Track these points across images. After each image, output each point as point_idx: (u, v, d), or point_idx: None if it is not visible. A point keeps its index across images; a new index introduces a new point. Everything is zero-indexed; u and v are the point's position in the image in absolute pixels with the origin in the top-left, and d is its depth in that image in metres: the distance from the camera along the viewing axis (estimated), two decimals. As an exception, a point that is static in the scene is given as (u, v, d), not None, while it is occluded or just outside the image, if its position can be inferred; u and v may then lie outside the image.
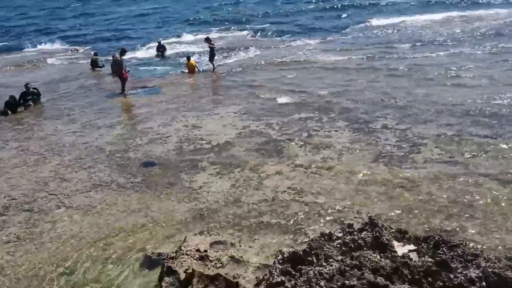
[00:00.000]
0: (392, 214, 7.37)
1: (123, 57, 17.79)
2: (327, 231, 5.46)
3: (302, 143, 10.81)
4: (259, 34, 30.35)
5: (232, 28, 33.89)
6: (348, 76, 16.91)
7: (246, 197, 8.44)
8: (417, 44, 21.93)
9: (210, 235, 7.18)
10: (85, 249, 7.20)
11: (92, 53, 25.14)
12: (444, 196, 7.82)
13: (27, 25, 47.33)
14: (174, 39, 30.39)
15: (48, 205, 8.80)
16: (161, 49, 25.92)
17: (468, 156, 9.32)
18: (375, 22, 29.63)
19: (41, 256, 7.13)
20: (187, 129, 12.55)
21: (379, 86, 15.02)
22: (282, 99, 14.53)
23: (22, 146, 12.38)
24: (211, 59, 20.19)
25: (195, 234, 7.27)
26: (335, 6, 38.85)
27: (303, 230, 7.12)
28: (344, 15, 34.79)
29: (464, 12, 30.21)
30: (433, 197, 7.81)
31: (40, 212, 8.56)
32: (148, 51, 27.43)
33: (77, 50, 30.24)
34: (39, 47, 33.12)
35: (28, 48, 33.10)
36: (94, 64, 23.23)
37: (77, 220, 8.12)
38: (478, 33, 22.74)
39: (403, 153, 9.72)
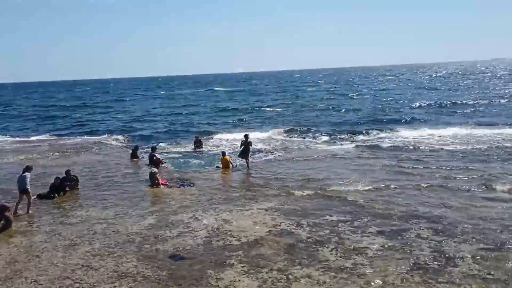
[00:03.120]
0: (428, 332, 6.89)
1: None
2: None
3: (333, 246, 10.56)
4: (292, 134, 31.36)
5: (269, 128, 35.09)
6: (381, 180, 16.80)
7: (273, 300, 8.13)
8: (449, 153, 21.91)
9: None
10: None
11: (134, 146, 26.06)
12: (485, 316, 7.32)
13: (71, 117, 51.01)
14: (211, 136, 31.48)
15: (72, 294, 8.70)
16: (198, 144, 26.85)
17: (508, 273, 8.82)
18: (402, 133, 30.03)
19: None
20: (217, 224, 12.52)
21: (413, 194, 14.81)
22: (313, 200, 14.46)
23: (55, 230, 12.57)
24: (246, 156, 20.58)
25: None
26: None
27: None
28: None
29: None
30: (473, 316, 7.31)
31: (64, 300, 8.45)
32: (185, 146, 28.43)
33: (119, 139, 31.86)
34: (84, 136, 35.18)
35: (74, 137, 35.28)
36: (134, 155, 24.20)
37: (99, 312, 7.95)
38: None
39: (438, 266, 9.30)
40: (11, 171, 20.69)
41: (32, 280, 9.34)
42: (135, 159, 23.95)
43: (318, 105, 51.41)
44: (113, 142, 31.35)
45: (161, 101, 76.26)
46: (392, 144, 25.27)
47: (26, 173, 14.62)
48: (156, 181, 17.43)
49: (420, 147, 23.76)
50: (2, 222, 12.69)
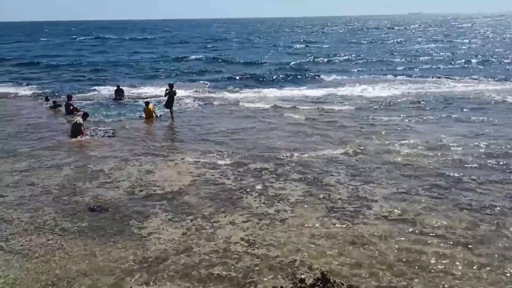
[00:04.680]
0: (343, 269, 7.36)
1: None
2: (279, 286, 5.37)
3: (256, 194, 10.80)
4: (219, 84, 30.95)
5: (190, 80, 34.29)
6: (301, 127, 17.29)
7: (198, 246, 8.25)
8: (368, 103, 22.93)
9: (157, 285, 6.91)
10: (20, 297, 6.72)
11: (51, 100, 24.09)
12: (393, 253, 7.94)
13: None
14: (134, 88, 30.00)
15: (-17, 248, 8.23)
16: (119, 92, 25.74)
17: (415, 214, 9.58)
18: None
19: (-31, 304, 6.58)
20: (140, 174, 12.29)
21: (332, 142, 15.40)
22: (238, 150, 14.59)
23: (-39, 183, 11.69)
24: (170, 105, 20.14)
25: (141, 284, 6.98)
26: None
27: (254, 283, 6.97)
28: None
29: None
30: (383, 254, 7.92)
31: (-26, 255, 7.98)
32: (106, 93, 27.19)
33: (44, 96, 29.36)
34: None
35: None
36: (56, 105, 22.71)
37: (15, 265, 7.62)
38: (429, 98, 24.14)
39: (354, 209, 9.88)
40: None
41: None
42: (55, 109, 22.47)
43: (237, 58, 50.07)
44: (21, 92, 28.77)
45: (64, 47, 70.50)
46: (316, 100, 25.80)
47: None
48: (80, 133, 16.55)
49: (333, 101, 24.51)
50: None
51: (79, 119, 17.00)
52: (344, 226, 9.05)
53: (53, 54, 57.93)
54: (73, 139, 16.19)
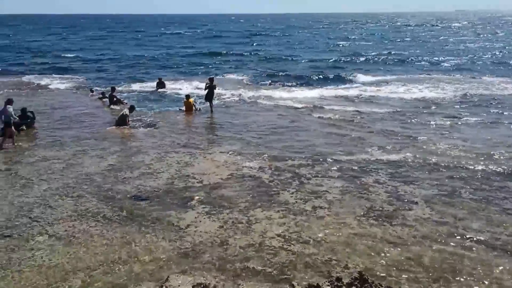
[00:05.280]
0: (381, 270, 7.23)
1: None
2: (315, 283, 5.33)
3: (293, 190, 10.76)
4: (256, 80, 30.90)
5: (232, 72, 34.64)
6: (338, 128, 17.08)
7: (234, 240, 8.30)
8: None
9: (193, 276, 7.00)
10: (62, 281, 6.96)
11: (98, 92, 24.76)
12: (433, 256, 7.73)
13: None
14: (174, 82, 30.32)
15: (29, 232, 8.58)
16: (161, 85, 26.22)
17: (457, 218, 9.29)
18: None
19: (16, 286, 6.86)
20: (179, 166, 12.48)
21: (370, 142, 15.13)
22: (276, 145, 14.57)
23: (11, 169, 12.24)
24: (210, 99, 20.33)
25: (178, 274, 7.09)
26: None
27: (289, 280, 6.94)
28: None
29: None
30: (422, 256, 7.71)
31: (21, 238, 8.34)
32: (148, 86, 27.69)
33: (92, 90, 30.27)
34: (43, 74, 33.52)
35: (28, 74, 33.39)
36: (104, 96, 23.31)
37: (58, 250, 7.90)
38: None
39: (393, 209, 9.68)
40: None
41: (-13, 218, 9.12)
42: (103, 100, 23.03)
43: (274, 54, 49.42)
44: (65, 84, 29.60)
45: (104, 41, 71.44)
46: (352, 98, 25.42)
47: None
48: (124, 124, 16.98)
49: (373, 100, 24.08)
50: None
51: (125, 111, 17.49)
52: (383, 226, 8.88)
53: (96, 47, 59.32)
54: (117, 130, 16.62)
